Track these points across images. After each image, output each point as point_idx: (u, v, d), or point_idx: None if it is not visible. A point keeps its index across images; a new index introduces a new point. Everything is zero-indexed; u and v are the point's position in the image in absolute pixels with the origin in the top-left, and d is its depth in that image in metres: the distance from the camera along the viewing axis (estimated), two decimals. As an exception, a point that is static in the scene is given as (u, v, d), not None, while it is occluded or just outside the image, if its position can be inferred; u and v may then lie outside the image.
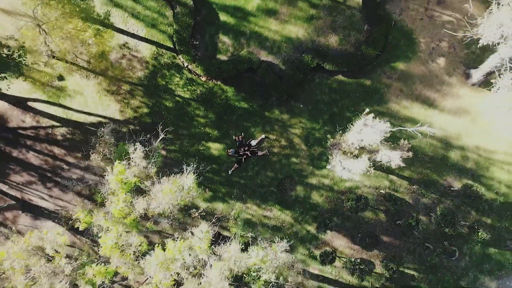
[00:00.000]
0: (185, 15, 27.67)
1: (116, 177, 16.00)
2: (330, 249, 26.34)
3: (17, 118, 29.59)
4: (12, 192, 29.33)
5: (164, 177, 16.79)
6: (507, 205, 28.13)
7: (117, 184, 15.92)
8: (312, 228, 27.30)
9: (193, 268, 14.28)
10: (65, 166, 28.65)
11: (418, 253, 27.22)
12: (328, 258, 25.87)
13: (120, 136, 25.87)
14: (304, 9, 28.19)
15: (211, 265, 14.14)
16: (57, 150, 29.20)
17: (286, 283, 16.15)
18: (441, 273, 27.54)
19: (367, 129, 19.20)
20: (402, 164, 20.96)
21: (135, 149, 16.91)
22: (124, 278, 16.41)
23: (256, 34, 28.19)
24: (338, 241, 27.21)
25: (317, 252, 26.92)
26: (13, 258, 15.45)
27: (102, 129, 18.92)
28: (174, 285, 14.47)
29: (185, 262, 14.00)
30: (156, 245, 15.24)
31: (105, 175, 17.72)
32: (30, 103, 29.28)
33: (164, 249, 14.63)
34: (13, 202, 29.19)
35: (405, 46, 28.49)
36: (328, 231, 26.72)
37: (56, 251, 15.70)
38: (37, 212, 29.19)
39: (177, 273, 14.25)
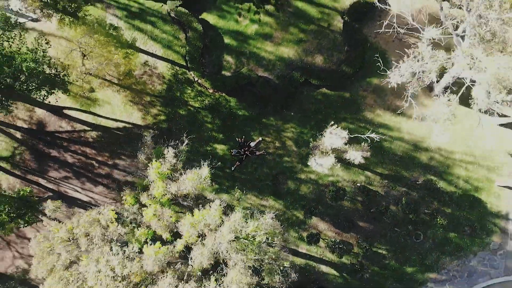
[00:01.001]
0: (195, 39, 33.39)
1: (155, 170, 21.67)
2: (315, 232, 31.86)
3: (54, 123, 35.32)
4: (50, 186, 35.02)
5: (188, 169, 22.37)
6: (465, 197, 33.55)
7: (156, 175, 21.56)
8: (300, 215, 32.87)
9: (212, 226, 19.81)
10: (96, 163, 34.37)
11: (389, 236, 32.69)
12: (313, 239, 31.39)
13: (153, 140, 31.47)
14: (295, 33, 33.88)
15: (223, 224, 19.65)
16: (88, 150, 34.91)
17: (274, 242, 21.37)
18: (408, 253, 32.96)
19: (332, 136, 24.83)
20: (362, 161, 26.51)
21: (168, 151, 22.53)
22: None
23: (254, 54, 33.90)
24: (322, 225, 32.75)
25: (304, 234, 32.44)
26: (80, 227, 20.96)
27: (146, 137, 24.41)
28: (198, 237, 19.94)
29: (206, 222, 19.59)
30: (186, 213, 20.85)
31: (147, 169, 23.26)
32: (65, 111, 35.01)
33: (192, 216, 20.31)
34: (51, 193, 34.87)
35: (379, 64, 34.07)
36: (314, 217, 32.29)
37: (111, 222, 21.25)
38: (71, 202, 34.85)
39: (201, 230, 19.75)
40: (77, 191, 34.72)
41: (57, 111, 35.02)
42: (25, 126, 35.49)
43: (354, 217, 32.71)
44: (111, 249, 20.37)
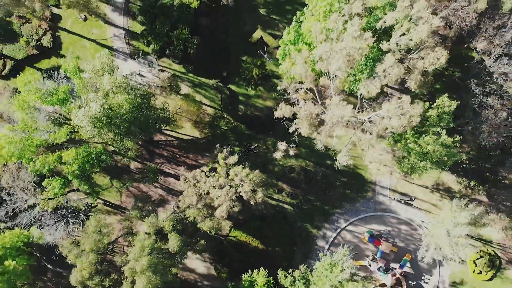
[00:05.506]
0: (226, 97, 70.74)
1: (220, 156, 58.55)
2: (280, 188, 68.50)
3: (158, 136, 73.05)
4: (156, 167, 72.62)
5: (232, 156, 59.06)
6: (354, 173, 69.53)
7: (220, 158, 58.37)
8: (274, 180, 69.61)
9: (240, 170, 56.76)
10: (177, 156, 72.02)
11: (314, 191, 69.02)
12: (280, 191, 67.98)
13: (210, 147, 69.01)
14: (273, 94, 70.84)
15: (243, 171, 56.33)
16: (174, 150, 72.53)
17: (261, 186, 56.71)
18: (325, 199, 69.15)
19: (280, 144, 61.26)
20: (293, 154, 62.89)
21: (224, 150, 59.82)
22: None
23: (253, 104, 71.03)
24: (284, 185, 69.41)
25: (276, 189, 69.14)
26: (197, 173, 58.27)
27: (217, 145, 61.45)
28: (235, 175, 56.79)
29: (237, 171, 56.41)
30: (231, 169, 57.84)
31: (217, 156, 60.37)
32: (164, 130, 72.66)
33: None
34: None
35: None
36: (280, 181, 68.97)
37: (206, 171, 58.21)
38: (166, 175, 72.34)
39: (236, 173, 56.66)
40: (168, 169, 72.31)
41: (159, 130, 72.72)
42: (143, 138, 73.24)
43: (298, 182, 69.34)
44: (207, 177, 56.72)
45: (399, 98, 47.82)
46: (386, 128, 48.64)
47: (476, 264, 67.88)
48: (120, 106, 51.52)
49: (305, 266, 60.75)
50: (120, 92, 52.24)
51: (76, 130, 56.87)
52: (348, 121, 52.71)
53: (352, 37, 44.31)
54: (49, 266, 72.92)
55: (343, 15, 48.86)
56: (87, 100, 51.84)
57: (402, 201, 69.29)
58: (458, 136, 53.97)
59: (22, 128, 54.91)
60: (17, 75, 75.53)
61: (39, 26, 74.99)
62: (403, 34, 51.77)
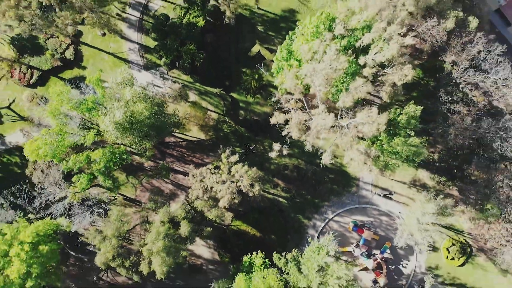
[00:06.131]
0: (228, 104, 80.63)
1: (223, 156, 68.28)
2: (276, 184, 78.25)
3: (168, 138, 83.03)
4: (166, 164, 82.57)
5: (233, 155, 68.61)
6: (340, 171, 79.30)
7: (224, 157, 68.10)
8: (270, 177, 79.37)
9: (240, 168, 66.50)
10: (185, 155, 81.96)
11: (306, 186, 78.76)
12: (276, 187, 77.74)
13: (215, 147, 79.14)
14: (269, 101, 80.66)
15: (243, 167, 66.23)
16: (182, 150, 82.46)
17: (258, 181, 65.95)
18: (315, 193, 78.86)
19: (275, 145, 70.72)
20: (286, 153, 72.53)
21: (226, 150, 69.47)
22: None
23: (252, 110, 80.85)
24: (279, 181, 79.17)
25: (271, 185, 78.89)
26: (203, 170, 67.94)
27: (221, 146, 70.97)
28: (236, 172, 66.78)
29: (237, 168, 66.04)
30: (233, 166, 67.53)
31: (221, 155, 70.06)
32: (174, 133, 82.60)
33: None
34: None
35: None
36: (275, 178, 78.72)
37: (212, 168, 67.84)
38: (176, 172, 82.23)
39: (237, 170, 66.27)
40: (178, 167, 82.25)
41: (171, 133, 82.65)
42: (157, 140, 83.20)
43: (291, 178, 79.14)
44: (212, 173, 66.30)
45: (370, 108, 57.55)
46: (363, 134, 58.32)
47: (449, 251, 77.46)
48: (140, 113, 61.42)
49: (297, 250, 70.46)
50: (139, 101, 62.13)
51: (100, 133, 66.81)
52: (332, 126, 62.40)
53: (330, 60, 54.04)
54: (72, 252, 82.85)
55: (325, 41, 58.63)
56: (112, 108, 61.73)
57: (383, 195, 78.94)
58: (425, 138, 63.60)
59: (56, 131, 64.86)
60: (43, 84, 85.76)
61: (63, 40, 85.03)
62: (378, 52, 61.49)
